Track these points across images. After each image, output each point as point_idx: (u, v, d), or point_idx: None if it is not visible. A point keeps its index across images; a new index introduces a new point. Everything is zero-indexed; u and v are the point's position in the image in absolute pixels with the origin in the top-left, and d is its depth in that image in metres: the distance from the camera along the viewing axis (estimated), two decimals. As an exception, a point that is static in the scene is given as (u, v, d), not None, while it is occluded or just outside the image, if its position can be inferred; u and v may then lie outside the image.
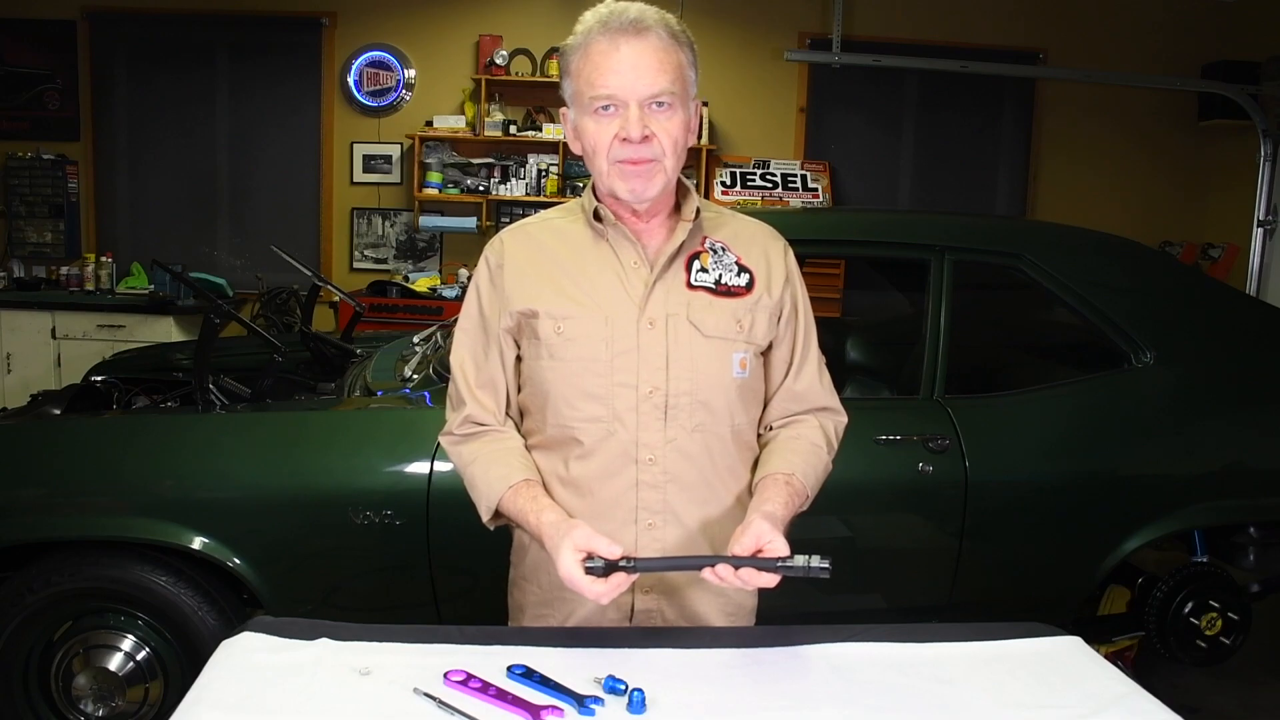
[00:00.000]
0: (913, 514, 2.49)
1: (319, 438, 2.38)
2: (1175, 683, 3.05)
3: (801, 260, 1.58)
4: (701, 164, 5.69)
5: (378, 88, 5.92)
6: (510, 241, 1.51)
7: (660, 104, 1.39)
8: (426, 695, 1.21)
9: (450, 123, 5.79)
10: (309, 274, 3.63)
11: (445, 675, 1.25)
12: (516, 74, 5.79)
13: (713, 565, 1.28)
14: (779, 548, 1.28)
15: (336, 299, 4.63)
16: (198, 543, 2.24)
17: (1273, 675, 3.18)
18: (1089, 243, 2.83)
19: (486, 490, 1.44)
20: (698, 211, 1.48)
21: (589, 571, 1.27)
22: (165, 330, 5.39)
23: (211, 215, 6.05)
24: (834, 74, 5.56)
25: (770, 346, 1.52)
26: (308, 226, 6.04)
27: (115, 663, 2.33)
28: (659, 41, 1.38)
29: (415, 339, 3.05)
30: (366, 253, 6.07)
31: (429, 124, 5.81)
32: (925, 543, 2.49)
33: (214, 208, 6.04)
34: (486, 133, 5.74)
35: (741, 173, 5.80)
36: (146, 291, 5.65)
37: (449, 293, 5.60)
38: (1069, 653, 1.42)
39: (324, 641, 1.34)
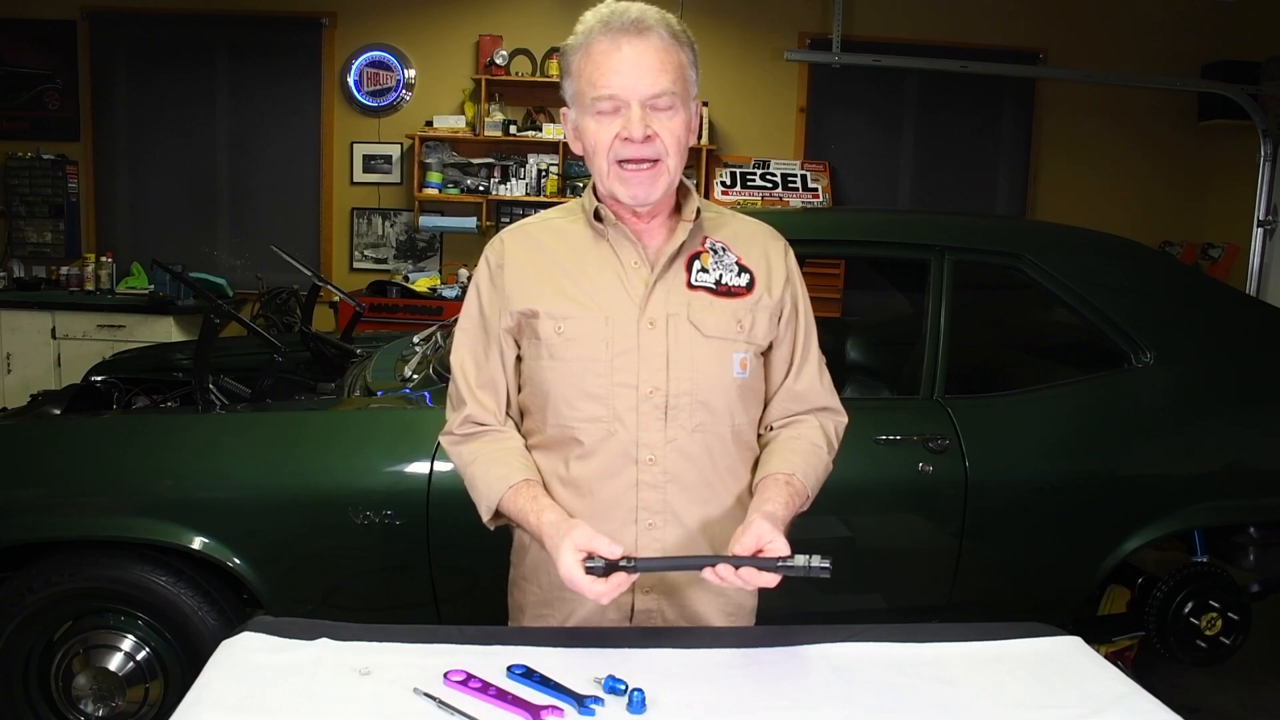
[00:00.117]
0: (913, 514, 2.49)
1: (319, 438, 2.37)
2: (1175, 683, 3.05)
3: (801, 260, 1.58)
4: (701, 164, 5.69)
5: (378, 88, 5.92)
6: (510, 241, 1.51)
7: (662, 104, 1.39)
8: (426, 695, 1.21)
9: (450, 123, 5.79)
10: (309, 274, 3.63)
11: (445, 675, 1.25)
12: (516, 74, 5.79)
13: (713, 565, 1.28)
14: (779, 548, 1.28)
15: (336, 299, 4.63)
16: (198, 543, 2.24)
17: (1273, 675, 3.18)
18: (1089, 243, 2.83)
19: (487, 490, 1.44)
20: (698, 212, 1.48)
21: (589, 571, 1.27)
22: (165, 330, 5.39)
23: (211, 215, 6.05)
24: (834, 74, 5.56)
25: (770, 347, 1.52)
26: (308, 226, 6.04)
27: (115, 663, 2.33)
28: (660, 41, 1.38)
29: (415, 339, 3.05)
30: (366, 253, 6.07)
31: (429, 124, 5.81)
32: (925, 543, 2.49)
33: (214, 208, 6.04)
34: (486, 133, 5.74)
35: (741, 173, 5.80)
36: (146, 291, 5.65)
37: (449, 293, 5.60)
38: (1069, 653, 1.42)
39: (324, 641, 1.34)
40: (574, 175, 5.74)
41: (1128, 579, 2.79)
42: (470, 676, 1.25)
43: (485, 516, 1.46)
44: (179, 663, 2.32)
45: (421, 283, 5.81)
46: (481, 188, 5.82)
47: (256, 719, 1.17)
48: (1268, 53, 5.34)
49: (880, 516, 2.49)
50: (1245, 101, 4.90)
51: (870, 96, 5.97)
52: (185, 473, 2.30)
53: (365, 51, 5.89)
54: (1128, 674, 1.37)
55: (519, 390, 1.53)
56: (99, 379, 3.11)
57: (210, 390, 2.59)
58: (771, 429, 1.55)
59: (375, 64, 5.91)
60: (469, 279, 3.53)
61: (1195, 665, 2.75)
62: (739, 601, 1.53)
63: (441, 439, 1.55)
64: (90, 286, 5.73)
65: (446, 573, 2.29)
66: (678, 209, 1.50)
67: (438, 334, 2.98)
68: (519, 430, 1.53)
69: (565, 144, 4.17)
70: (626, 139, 1.38)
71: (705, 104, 5.25)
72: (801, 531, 1.42)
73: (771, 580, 1.28)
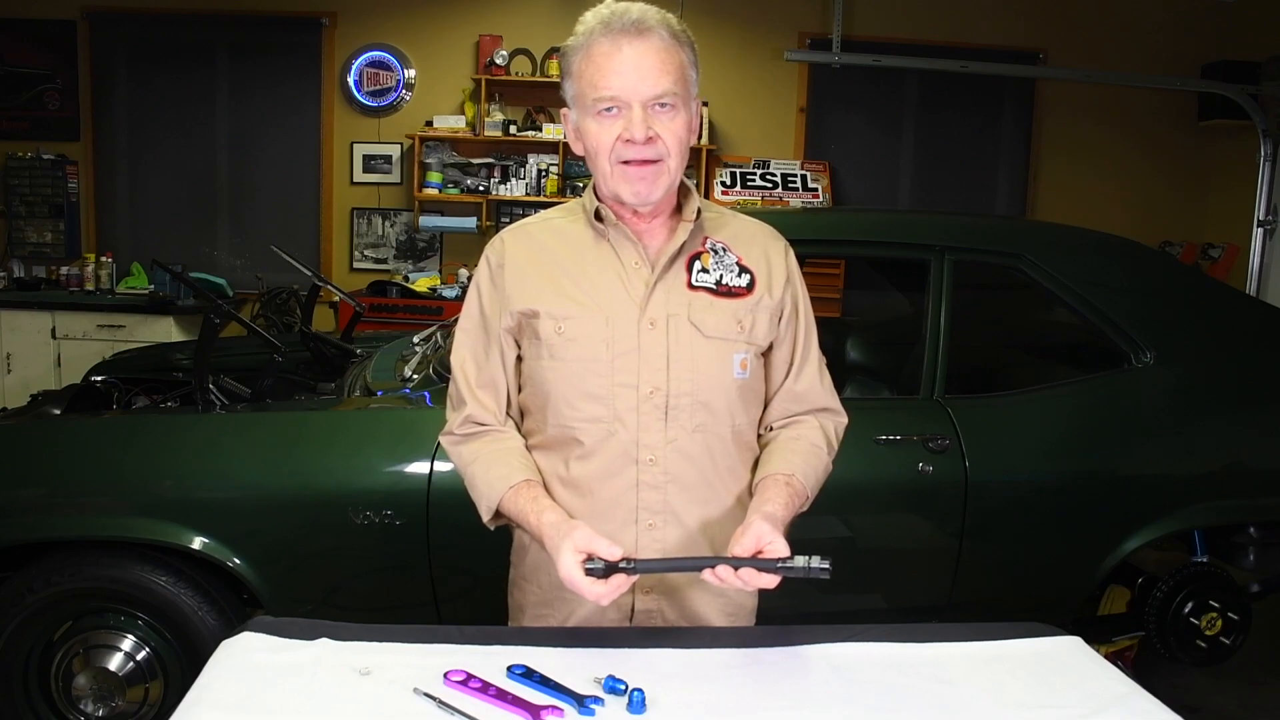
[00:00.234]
0: (913, 514, 2.49)
1: (319, 438, 2.37)
2: (1175, 683, 3.05)
3: (801, 260, 1.58)
4: (701, 164, 5.69)
5: (378, 88, 5.92)
6: (511, 241, 1.51)
7: (663, 105, 1.39)
8: (426, 695, 1.21)
9: (450, 123, 5.79)
10: (309, 274, 3.63)
11: (445, 675, 1.25)
12: (516, 74, 5.79)
13: (713, 566, 1.29)
14: (779, 548, 1.28)
15: (336, 299, 4.63)
16: (198, 543, 2.24)
17: (1273, 675, 3.18)
18: (1089, 243, 2.83)
19: (487, 490, 1.44)
20: (699, 212, 1.48)
21: (589, 573, 1.27)
22: (165, 330, 5.39)
23: (211, 215, 6.05)
24: (834, 74, 5.56)
25: (771, 347, 1.52)
26: (308, 226, 6.03)
27: (115, 663, 2.33)
28: (661, 42, 1.38)
29: (415, 339, 3.05)
30: (366, 253, 6.07)
31: (429, 124, 5.81)
32: (925, 543, 2.49)
33: (214, 208, 6.04)
34: (486, 133, 5.74)
35: (741, 173, 5.80)
36: (146, 291, 5.65)
37: (449, 293, 5.60)
38: (1069, 653, 1.42)
39: (324, 641, 1.34)
40: (574, 175, 5.74)
41: (1128, 579, 2.79)
42: (470, 676, 1.25)
43: (485, 517, 1.46)
44: (179, 663, 2.32)
45: (421, 283, 5.81)
46: (481, 188, 5.82)
47: (256, 719, 1.17)
48: (1268, 53, 5.34)
49: (880, 516, 2.49)
50: (1245, 101, 4.90)
51: (870, 96, 5.97)
52: (185, 473, 2.30)
53: (365, 51, 5.89)
54: (1128, 674, 1.37)
55: (519, 390, 1.53)
56: (99, 379, 3.11)
57: (210, 390, 2.59)
58: (771, 429, 1.55)
59: (375, 64, 5.91)
60: (469, 279, 3.53)
61: (1195, 665, 2.75)
62: (739, 602, 1.53)
63: (442, 439, 1.55)
64: (90, 286, 5.73)
65: (446, 573, 2.29)
66: (678, 209, 1.50)
67: (438, 334, 2.98)
68: (519, 430, 1.53)
69: (565, 144, 4.17)
70: (628, 140, 1.38)
71: (705, 104, 5.24)
72: (801, 532, 1.42)
73: (771, 581, 1.28)
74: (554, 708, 1.19)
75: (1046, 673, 1.35)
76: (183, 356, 3.45)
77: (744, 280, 1.49)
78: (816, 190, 5.77)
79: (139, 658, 2.33)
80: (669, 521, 1.46)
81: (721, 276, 1.48)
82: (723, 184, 5.73)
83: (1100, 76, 5.47)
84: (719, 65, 5.75)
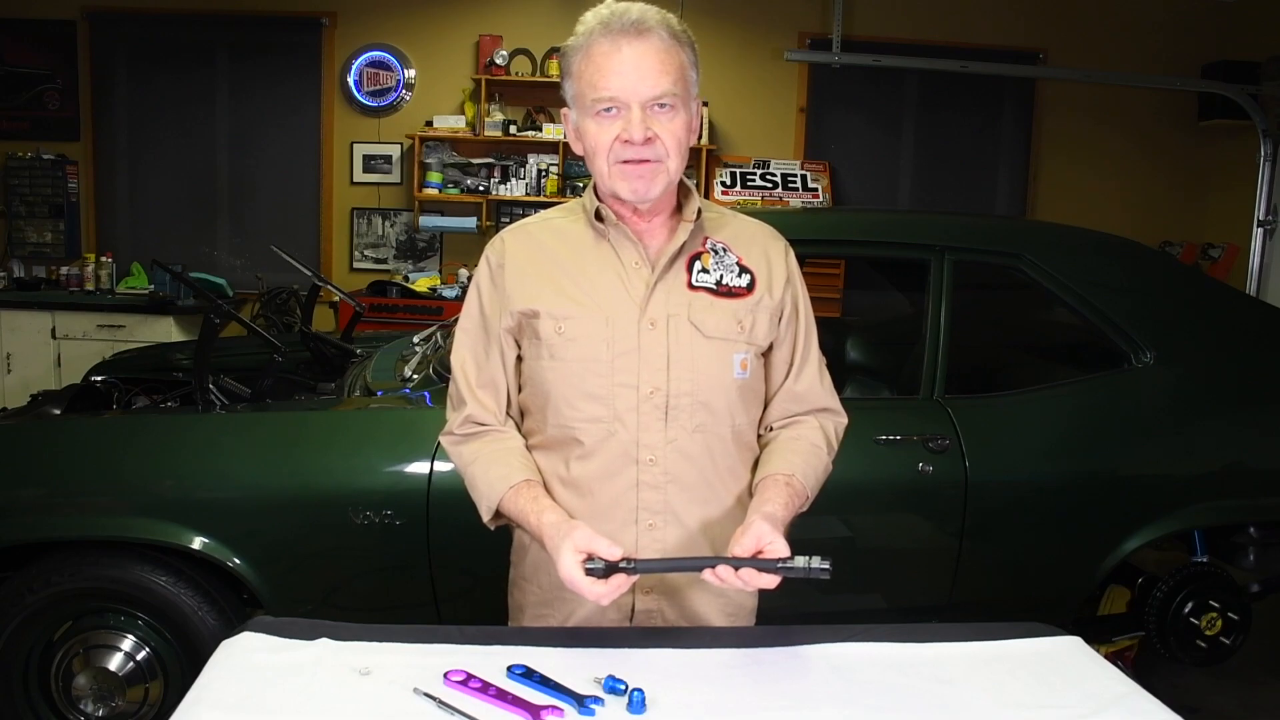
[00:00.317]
0: (913, 514, 2.49)
1: (319, 438, 2.37)
2: (1175, 683, 3.05)
3: (801, 260, 1.58)
4: (701, 164, 5.69)
5: (378, 88, 5.92)
6: (511, 241, 1.51)
7: (662, 105, 1.39)
8: (426, 695, 1.21)
9: (450, 123, 5.79)
10: (309, 274, 3.63)
11: (445, 675, 1.25)
12: (516, 74, 5.79)
13: (713, 566, 1.29)
14: (779, 549, 1.28)
15: (336, 299, 4.63)
16: (198, 543, 2.24)
17: (1273, 675, 3.18)
18: (1089, 243, 2.83)
19: (487, 490, 1.44)
20: (699, 212, 1.48)
21: (589, 573, 1.27)
22: (165, 330, 5.39)
23: (211, 215, 6.04)
24: (834, 74, 5.56)
25: (771, 347, 1.52)
26: (308, 226, 6.03)
27: (115, 663, 2.33)
28: (660, 43, 1.38)
29: (415, 339, 3.05)
30: (366, 253, 6.07)
31: (429, 124, 5.81)
32: (925, 543, 2.49)
33: (214, 208, 6.04)
34: (486, 133, 5.74)
35: (741, 173, 5.80)
36: (146, 291, 5.65)
37: (449, 293, 5.60)
38: (1069, 653, 1.42)
39: (324, 641, 1.34)
40: (574, 175, 5.74)
41: (1128, 579, 2.79)
42: (470, 676, 1.25)
43: (485, 517, 1.46)
44: (179, 663, 2.32)
45: (421, 283, 5.81)
46: (481, 188, 5.82)
47: (256, 719, 1.17)
48: (1268, 53, 5.34)
49: (880, 516, 2.49)
50: (1245, 101, 4.90)
51: (870, 96, 5.97)
52: (185, 473, 2.30)
53: (365, 51, 5.89)
54: (1128, 674, 1.37)
55: (519, 390, 1.53)
56: (99, 379, 3.11)
57: (210, 390, 2.59)
58: (771, 429, 1.55)
59: (375, 64, 5.91)
60: (469, 279, 3.53)
61: (1195, 665, 2.75)
62: (739, 602, 1.53)
63: (442, 439, 1.55)
64: (90, 286, 5.73)
65: (446, 573, 2.29)
66: (678, 209, 1.50)
67: (438, 334, 2.98)
68: (519, 430, 1.53)
69: (565, 144, 4.17)
70: (626, 141, 1.38)
71: (705, 104, 5.24)
72: (801, 532, 1.42)
73: (771, 581, 1.28)
74: (554, 708, 1.19)
75: (1046, 673, 1.35)
76: (183, 356, 3.45)
77: (744, 280, 1.49)
78: (816, 190, 5.77)
79: (139, 658, 2.33)
80: (669, 521, 1.45)
81: (722, 277, 1.48)
82: (723, 184, 5.73)
83: (1100, 76, 5.47)
84: (719, 65, 5.75)
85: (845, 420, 1.60)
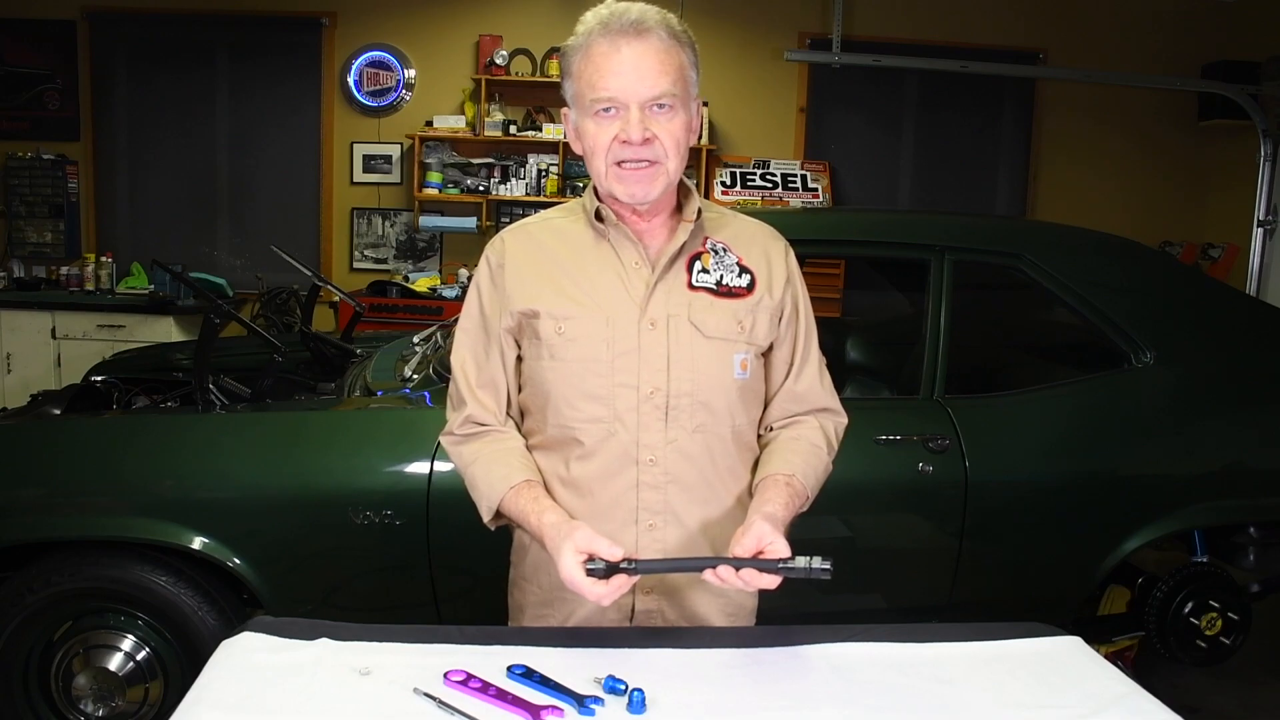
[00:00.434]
0: (913, 514, 2.49)
1: (319, 438, 2.37)
2: (1175, 683, 3.05)
3: (801, 260, 1.58)
4: (701, 164, 5.69)
5: (378, 88, 5.92)
6: (511, 241, 1.51)
7: (661, 106, 1.39)
8: (426, 695, 1.21)
9: (450, 123, 5.79)
10: (309, 274, 3.63)
11: (445, 675, 1.25)
12: (516, 74, 5.79)
13: (714, 566, 1.28)
14: (780, 549, 1.28)
15: (336, 299, 4.63)
16: (198, 543, 2.24)
17: (1273, 675, 3.18)
18: (1089, 243, 2.83)
19: (487, 490, 1.44)
20: (699, 212, 1.48)
21: (590, 573, 1.27)
22: (165, 330, 5.39)
23: (211, 215, 6.05)
24: (834, 74, 5.56)
25: (771, 347, 1.52)
26: (308, 226, 6.03)
27: (115, 663, 2.33)
28: (660, 43, 1.38)
29: (415, 339, 3.05)
30: (366, 253, 6.07)
31: (429, 124, 5.81)
32: (925, 543, 2.49)
33: (214, 208, 6.04)
34: (486, 133, 5.74)
35: (741, 173, 5.80)
36: (146, 291, 5.65)
37: (449, 293, 5.60)
38: (1069, 653, 1.42)
39: (324, 641, 1.34)
40: (574, 175, 5.74)
41: (1128, 579, 2.79)
42: (470, 676, 1.25)
43: (486, 517, 1.46)
44: (179, 663, 2.32)
45: (421, 283, 5.81)
46: (481, 188, 5.82)
47: (256, 719, 1.17)
48: (1268, 53, 5.34)
49: (880, 516, 2.49)
50: (1245, 101, 4.90)
51: (870, 96, 5.97)
52: (185, 473, 2.30)
53: (365, 51, 5.89)
54: (1128, 674, 1.37)
55: (519, 390, 1.53)
56: (99, 379, 3.11)
57: (210, 390, 2.59)
58: (771, 429, 1.55)
59: (375, 64, 5.91)
60: (469, 279, 3.53)
61: (1195, 665, 2.75)
62: (739, 602, 1.53)
63: (442, 439, 1.55)
64: (90, 286, 5.73)
65: (446, 573, 2.29)
66: (679, 209, 1.50)
67: (438, 334, 2.98)
68: (519, 430, 1.53)
69: (565, 144, 4.18)
70: (625, 141, 1.38)
71: (705, 104, 5.24)
72: (801, 532, 1.42)
73: (772, 582, 1.28)
74: (554, 708, 1.19)
75: (1046, 673, 1.35)
76: (183, 356, 3.45)
77: (744, 280, 1.49)
78: (816, 190, 5.77)
79: (139, 658, 2.33)
80: (669, 522, 1.45)
81: (722, 277, 1.48)
82: (723, 184, 5.73)
83: (1100, 76, 5.47)
84: (719, 65, 5.75)
85: (845, 420, 1.60)
